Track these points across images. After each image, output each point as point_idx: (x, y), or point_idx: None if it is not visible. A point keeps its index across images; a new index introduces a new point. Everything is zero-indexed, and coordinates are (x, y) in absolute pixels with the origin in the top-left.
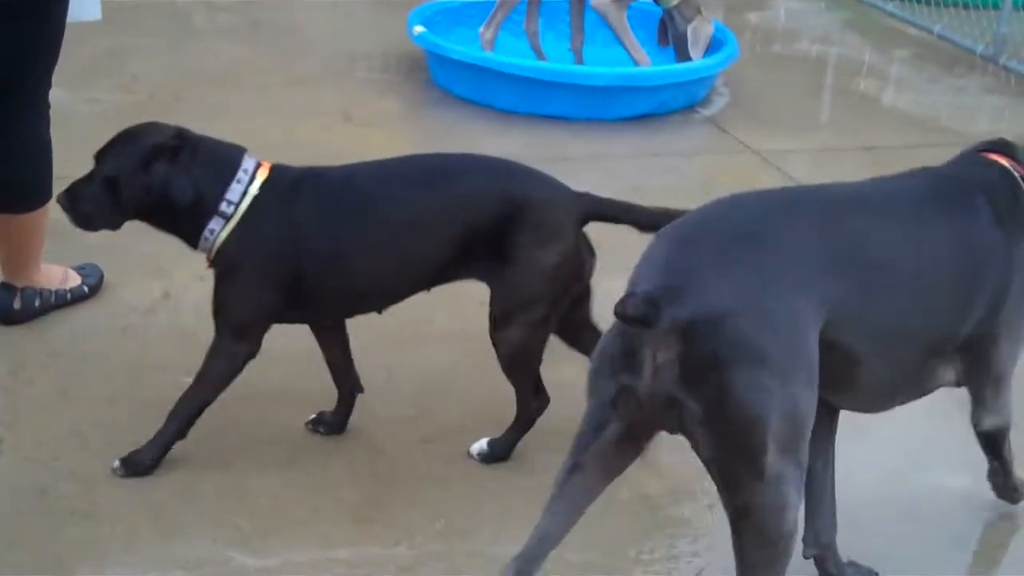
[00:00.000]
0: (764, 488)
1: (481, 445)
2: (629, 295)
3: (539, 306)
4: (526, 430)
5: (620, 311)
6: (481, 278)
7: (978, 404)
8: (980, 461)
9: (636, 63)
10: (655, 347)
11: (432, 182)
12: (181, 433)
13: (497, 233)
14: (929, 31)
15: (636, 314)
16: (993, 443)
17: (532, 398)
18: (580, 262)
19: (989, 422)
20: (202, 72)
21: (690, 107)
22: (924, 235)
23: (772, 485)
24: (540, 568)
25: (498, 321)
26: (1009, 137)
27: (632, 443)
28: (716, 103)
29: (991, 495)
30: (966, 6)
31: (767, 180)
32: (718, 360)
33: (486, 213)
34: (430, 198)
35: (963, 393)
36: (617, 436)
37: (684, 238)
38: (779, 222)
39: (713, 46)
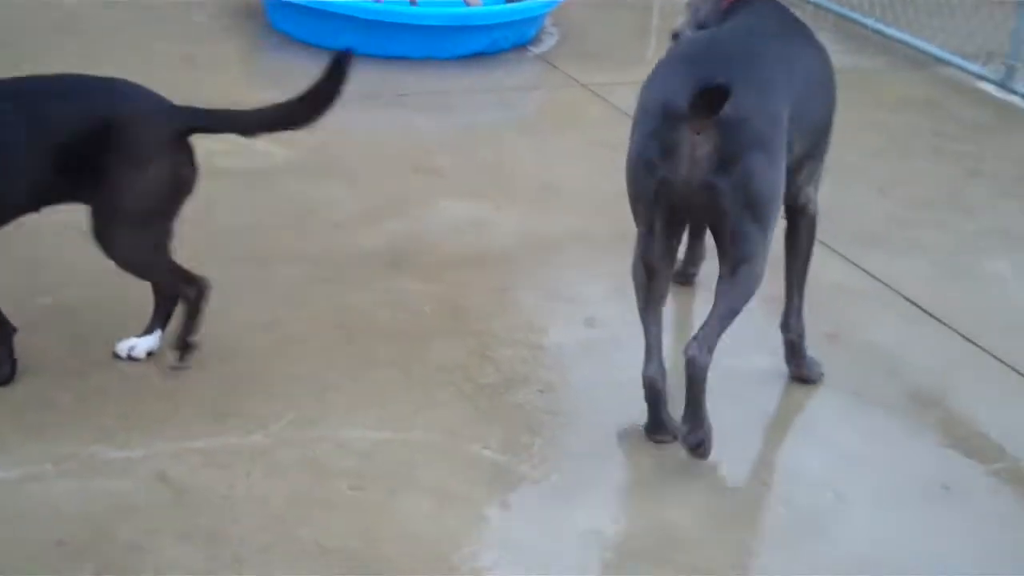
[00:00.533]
0: (763, 240)
1: (140, 343)
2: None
3: (140, 224)
4: (195, 316)
5: (679, 106)
6: (85, 201)
7: (815, 189)
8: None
9: (467, 4)
10: (693, 143)
11: (22, 106)
12: None
13: (90, 155)
14: None
15: (719, 90)
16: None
17: (185, 287)
18: (180, 176)
19: (815, 206)
20: (40, 20)
21: (522, 46)
22: (800, 52)
23: (766, 238)
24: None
25: (101, 238)
26: None
27: (673, 233)
28: (547, 42)
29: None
30: None
31: (595, 111)
32: (743, 149)
33: (75, 136)
34: (16, 122)
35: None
36: (663, 231)
37: (693, 62)
38: (749, 52)
39: None
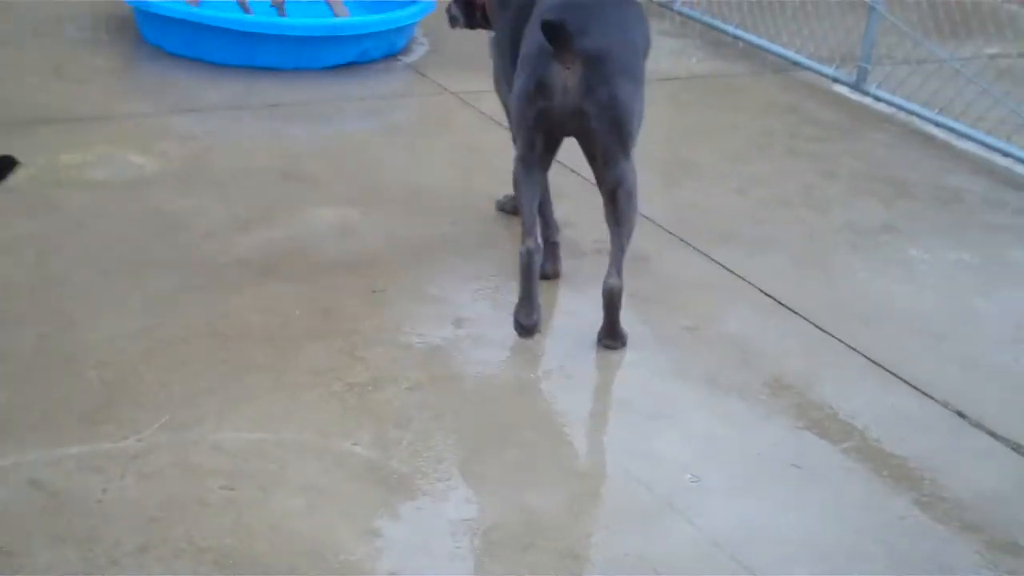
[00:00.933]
0: (629, 161)
1: None
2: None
3: None
4: None
5: (552, 21)
6: None
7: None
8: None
9: (335, 16)
10: (564, 77)
11: None
12: None
13: None
14: None
15: (559, 25)
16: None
17: None
18: None
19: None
20: None
21: (392, 56)
22: (627, 4)
23: (631, 159)
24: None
25: None
26: (685, 73)
27: (550, 149)
28: (417, 52)
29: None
30: None
31: (463, 117)
32: (608, 76)
33: None
34: None
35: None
36: (541, 147)
37: (564, 7)
38: (599, 2)
39: None
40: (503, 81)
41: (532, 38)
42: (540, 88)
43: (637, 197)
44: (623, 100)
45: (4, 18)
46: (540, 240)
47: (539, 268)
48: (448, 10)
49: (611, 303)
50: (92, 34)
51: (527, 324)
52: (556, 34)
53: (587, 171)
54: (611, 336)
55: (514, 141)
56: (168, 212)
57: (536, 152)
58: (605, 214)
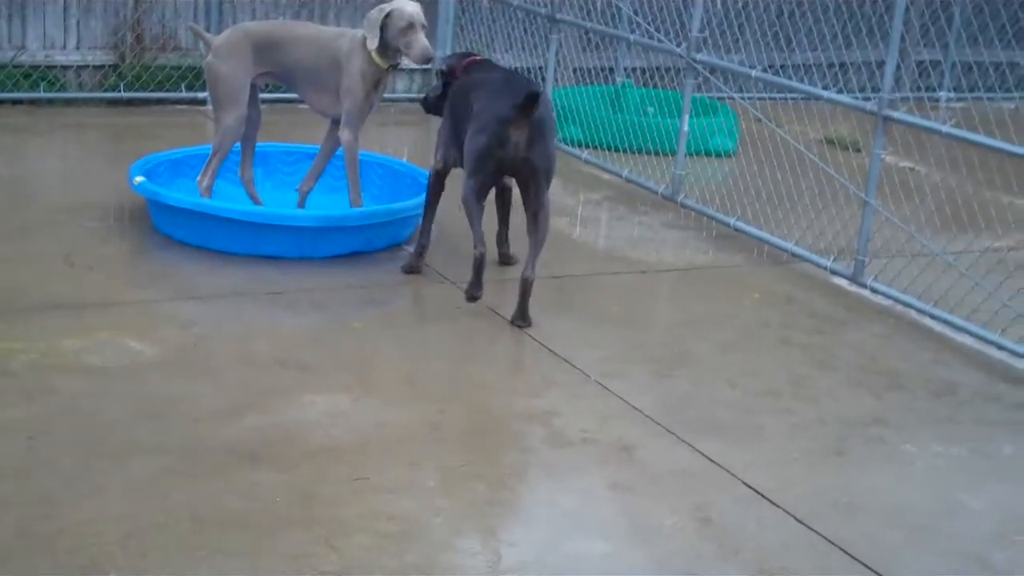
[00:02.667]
0: (547, 194)
1: None
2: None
3: None
4: None
5: (536, 92)
6: None
7: None
8: None
9: (351, 203)
10: (518, 135)
11: None
12: None
13: None
14: (619, 175)
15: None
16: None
17: None
18: None
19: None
20: None
21: (398, 245)
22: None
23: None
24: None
25: None
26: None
27: (495, 184)
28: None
29: None
30: (648, 153)
31: (462, 306)
32: (543, 136)
33: None
34: None
35: None
36: (489, 184)
37: (504, 91)
38: (526, 81)
39: (415, 188)
40: (445, 135)
41: (489, 110)
42: (501, 143)
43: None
44: (553, 152)
45: (25, 209)
46: (484, 246)
47: (485, 264)
48: (426, 97)
49: (525, 290)
50: (105, 224)
51: (476, 295)
52: (532, 103)
53: None
54: (522, 317)
55: (437, 173)
56: (161, 397)
57: (486, 187)
58: (528, 228)
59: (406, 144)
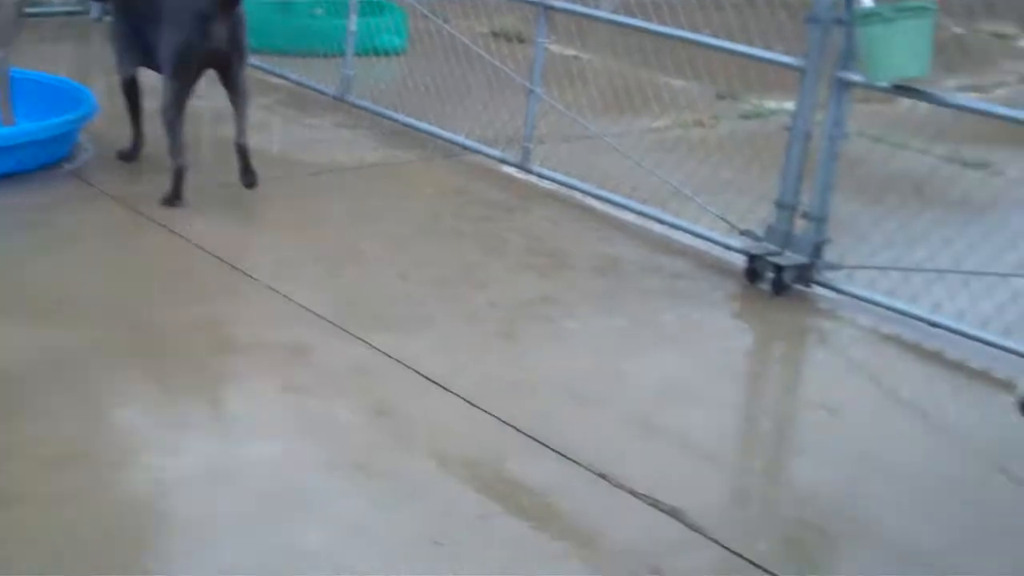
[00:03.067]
0: (247, 75)
1: None
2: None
3: None
4: None
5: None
6: None
7: None
8: None
9: (3, 121)
10: (219, 31)
11: None
12: None
13: None
14: (288, 79)
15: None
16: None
17: None
18: None
19: None
20: None
21: (56, 163)
22: None
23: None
24: None
25: None
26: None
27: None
28: (81, 157)
29: None
30: (319, 56)
31: (124, 221)
32: (241, 32)
33: None
34: None
35: None
36: (191, 84)
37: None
38: None
39: (72, 104)
40: (123, 39)
41: (188, 8)
42: (207, 39)
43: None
44: (247, 45)
45: None
46: (184, 157)
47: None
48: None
49: (245, 154)
50: None
51: (176, 205)
52: (228, 6)
53: None
54: (247, 174)
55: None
56: None
57: (189, 88)
58: (235, 103)
59: (66, 61)
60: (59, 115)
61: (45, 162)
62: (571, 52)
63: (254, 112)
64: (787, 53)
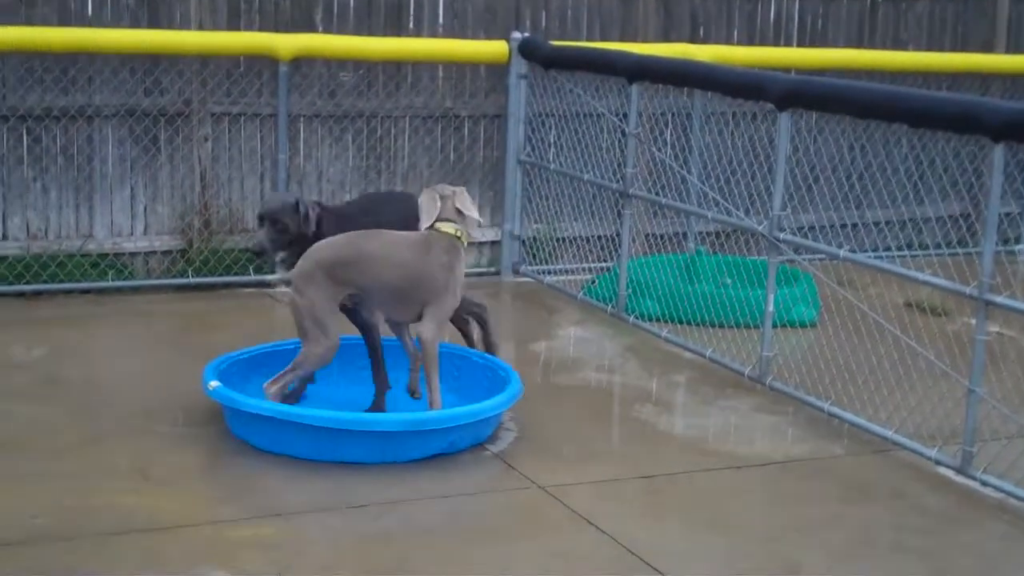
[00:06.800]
0: None
1: None
2: None
3: None
4: None
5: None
6: None
7: None
8: None
9: (430, 403)
10: None
11: None
12: None
13: None
14: (702, 355)
15: None
16: None
17: None
18: None
19: None
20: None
21: (479, 444)
22: None
23: None
24: None
25: None
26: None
27: None
28: (504, 439)
29: None
30: (728, 327)
31: (553, 516)
32: None
33: None
34: None
35: None
36: None
37: None
38: None
39: (498, 384)
40: None
41: None
42: None
43: None
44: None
45: (96, 415)
46: None
47: None
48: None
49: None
50: (179, 429)
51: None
52: None
53: None
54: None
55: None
56: None
57: None
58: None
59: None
60: (486, 394)
61: (471, 444)
62: (996, 328)
63: (669, 390)
64: None
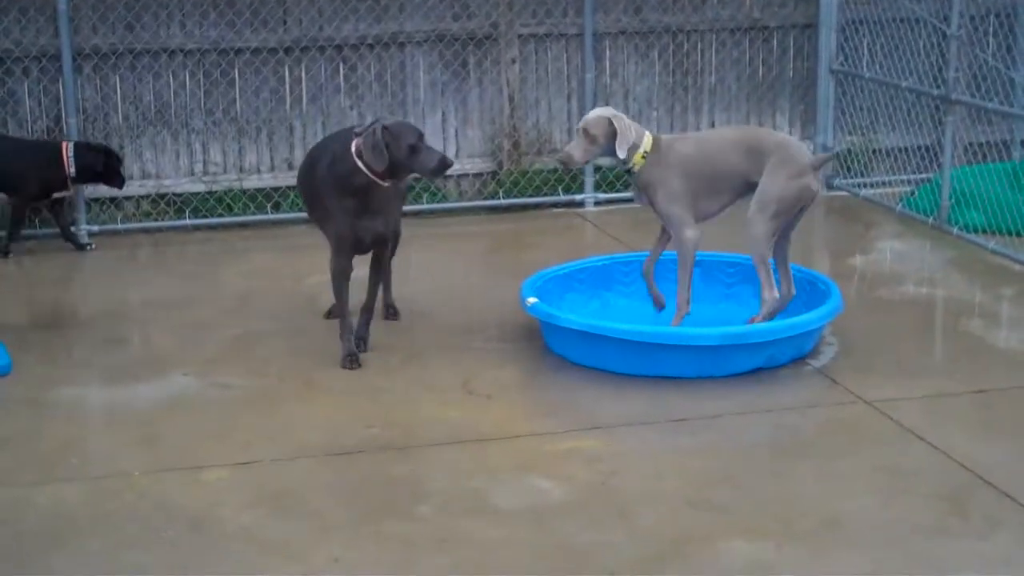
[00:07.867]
0: None
1: None
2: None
3: None
4: None
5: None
6: None
7: None
8: None
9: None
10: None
11: None
12: None
13: None
14: None
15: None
16: None
17: None
18: None
19: None
20: (325, 357)
21: (800, 359)
22: None
23: None
24: None
25: None
26: None
27: None
28: (826, 353)
29: None
30: None
31: (879, 431)
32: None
33: None
34: None
35: None
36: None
37: None
38: None
39: (818, 298)
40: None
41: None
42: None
43: None
44: None
45: (417, 331)
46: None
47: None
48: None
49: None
50: (498, 345)
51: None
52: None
53: None
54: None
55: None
56: (574, 547)
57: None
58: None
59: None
60: (806, 308)
61: (791, 359)
62: None
63: (992, 303)
64: None
